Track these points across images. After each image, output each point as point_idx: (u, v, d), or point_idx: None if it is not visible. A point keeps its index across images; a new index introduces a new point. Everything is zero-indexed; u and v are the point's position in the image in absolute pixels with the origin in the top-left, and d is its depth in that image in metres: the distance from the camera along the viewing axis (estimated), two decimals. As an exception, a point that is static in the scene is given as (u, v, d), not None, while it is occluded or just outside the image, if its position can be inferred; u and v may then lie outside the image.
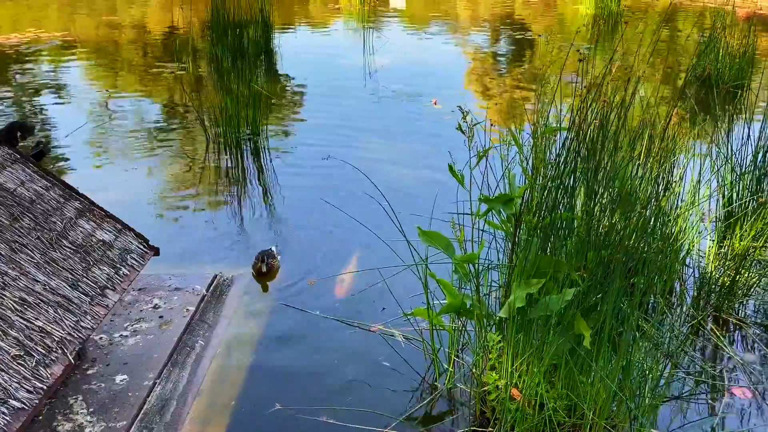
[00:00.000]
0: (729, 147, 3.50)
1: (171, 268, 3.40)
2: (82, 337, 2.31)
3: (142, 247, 2.86)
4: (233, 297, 3.28)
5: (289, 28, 10.88)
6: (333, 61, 8.58)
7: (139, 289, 3.21)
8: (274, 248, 3.62)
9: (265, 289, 3.39)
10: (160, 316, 3.01)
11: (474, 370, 2.59)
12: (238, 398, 2.61)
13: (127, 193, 4.51)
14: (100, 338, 2.84)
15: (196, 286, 3.26)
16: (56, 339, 2.20)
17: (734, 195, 3.42)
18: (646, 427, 2.30)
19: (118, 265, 2.68)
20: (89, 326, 2.37)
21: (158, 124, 5.93)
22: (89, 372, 2.63)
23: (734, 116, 5.01)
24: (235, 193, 4.59)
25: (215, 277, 3.38)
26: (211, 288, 3.29)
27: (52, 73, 7.80)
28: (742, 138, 3.51)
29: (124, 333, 2.89)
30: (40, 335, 2.17)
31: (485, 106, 6.51)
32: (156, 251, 2.90)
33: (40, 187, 2.76)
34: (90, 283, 2.51)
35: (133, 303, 3.11)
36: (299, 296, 3.29)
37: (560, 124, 3.06)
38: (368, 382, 2.70)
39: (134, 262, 2.76)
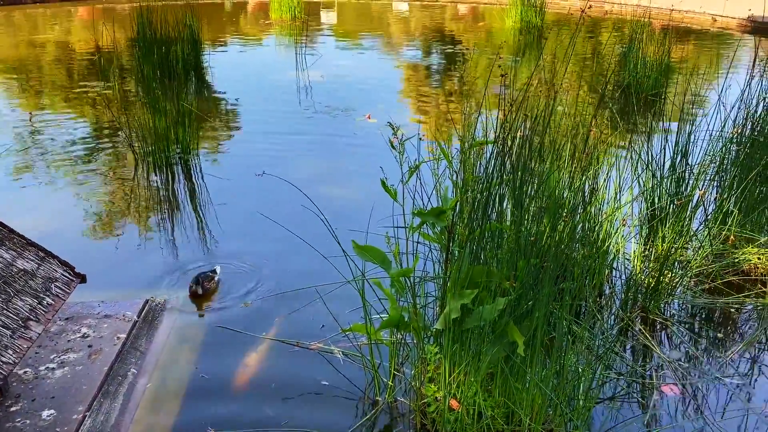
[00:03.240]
0: (649, 153, 3.66)
1: (100, 295, 3.28)
2: (3, 373, 2.20)
3: (67, 274, 2.76)
4: (166, 322, 3.19)
5: (219, 45, 10.75)
6: (265, 78, 8.52)
7: (67, 319, 3.09)
8: (218, 268, 3.55)
9: (199, 311, 3.31)
10: (89, 346, 2.90)
11: (414, 383, 2.61)
12: (174, 426, 2.53)
13: (52, 217, 4.34)
14: (25, 372, 2.71)
15: (127, 313, 3.16)
16: (-26, 376, 2.08)
17: (655, 199, 3.57)
18: (580, 429, 2.36)
19: (42, 295, 2.57)
20: (11, 360, 2.26)
21: (84, 145, 5.74)
22: (13, 409, 2.50)
23: (653, 124, 5.24)
24: (166, 214, 4.48)
25: (147, 302, 3.28)
26: (143, 313, 3.19)
27: (-32, 95, 7.45)
28: (661, 144, 3.68)
29: (51, 365, 2.76)
30: (-43, 373, 2.05)
31: (418, 120, 6.60)
32: (83, 278, 2.80)
33: (-46, 216, 2.62)
34: (11, 315, 2.39)
35: (60, 333, 2.99)
36: (235, 318, 3.23)
37: (487, 137, 3.13)
38: (308, 402, 2.67)
39: (59, 290, 2.66)
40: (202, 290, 3.35)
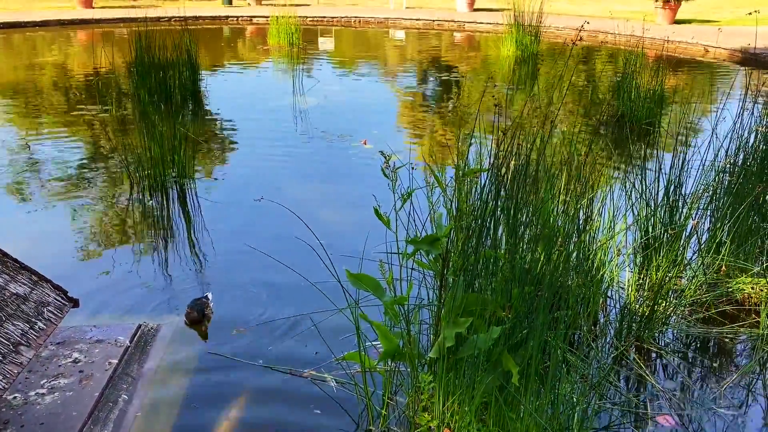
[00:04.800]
0: (643, 182, 3.68)
1: (92, 320, 3.27)
2: (-7, 399, 2.17)
3: (60, 299, 2.74)
4: (159, 347, 3.16)
5: (217, 70, 10.84)
6: (262, 102, 8.58)
7: (58, 343, 3.06)
8: (210, 294, 3.53)
9: (192, 338, 3.29)
10: (80, 371, 2.87)
11: (407, 412, 2.58)
12: (164, 454, 2.50)
13: (46, 240, 4.33)
14: (14, 398, 2.68)
15: (119, 338, 3.14)
16: (-37, 402, 2.06)
17: (649, 227, 3.59)
18: (575, 459, 2.34)
19: (34, 320, 2.55)
20: (0, 386, 2.23)
21: (80, 168, 5.74)
22: (1, 435, 2.48)
23: (646, 153, 5.28)
24: (161, 239, 4.47)
25: (139, 327, 3.26)
26: (135, 339, 3.17)
27: (-35, 117, 7.47)
28: (655, 173, 3.70)
29: (41, 391, 2.73)
30: (-55, 399, 2.03)
31: (414, 145, 6.63)
32: (75, 303, 2.78)
33: (-53, 239, 2.61)
34: (2, 340, 2.37)
35: (51, 358, 2.96)
36: (228, 344, 3.21)
37: (481, 164, 3.16)
38: (300, 430, 2.64)
39: (51, 315, 2.64)
40: (201, 316, 3.33)
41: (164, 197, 5.08)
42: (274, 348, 3.18)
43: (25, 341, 2.45)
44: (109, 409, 2.69)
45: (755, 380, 3.02)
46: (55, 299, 2.72)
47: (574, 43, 2.75)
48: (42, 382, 2.79)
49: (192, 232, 4.58)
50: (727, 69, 11.09)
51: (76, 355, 2.99)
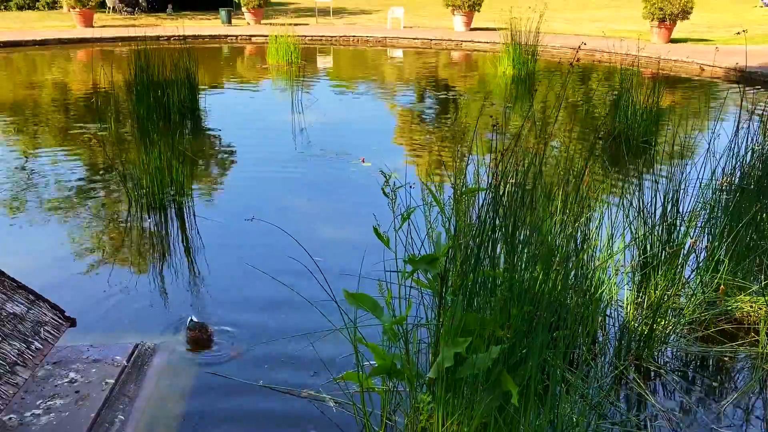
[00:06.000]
0: (640, 200, 3.69)
1: (89, 339, 3.24)
2: (-12, 420, 2.16)
3: (57, 318, 2.73)
4: (156, 367, 3.14)
5: (217, 88, 10.89)
6: (261, 120, 8.61)
7: (54, 363, 3.04)
8: (194, 318, 3.50)
9: (189, 357, 3.27)
10: (77, 391, 2.85)
11: (406, 432, 2.56)
12: (161, 476, 2.48)
13: (44, 259, 4.32)
14: (9, 419, 2.65)
15: (116, 357, 3.12)
16: (-42, 424, 2.04)
17: (647, 246, 3.59)
18: (575, 481, 2.32)
19: (30, 339, 2.54)
20: (-4, 407, 2.21)
21: (78, 187, 5.75)
22: (-4, 457, 2.45)
23: (643, 171, 5.30)
24: (159, 257, 4.46)
25: (136, 346, 3.24)
26: (132, 358, 3.15)
27: (-36, 135, 7.48)
28: (652, 191, 3.71)
29: (37, 411, 2.71)
30: (-60, 421, 2.01)
31: (412, 163, 6.65)
32: (72, 322, 2.77)
33: (-55, 258, 2.60)
34: (-2, 360, 2.36)
35: (48, 378, 2.94)
36: (225, 364, 3.19)
37: (479, 183, 3.16)
38: (298, 451, 2.62)
39: (48, 335, 2.63)
40: (204, 336, 3.30)
41: (162, 215, 5.07)
42: (271, 368, 3.16)
43: (22, 361, 2.43)
44: (105, 429, 2.67)
45: (755, 399, 3.01)
46: (52, 319, 2.71)
47: (571, 65, 2.77)
48: (38, 403, 2.76)
49: (190, 250, 4.57)
50: (723, 87, 11.17)
51: (72, 374, 2.97)
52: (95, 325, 3.46)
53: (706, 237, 3.83)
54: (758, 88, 10.57)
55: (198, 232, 4.81)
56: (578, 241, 3.21)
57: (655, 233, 3.58)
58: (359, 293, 2.57)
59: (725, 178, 3.82)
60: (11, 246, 4.49)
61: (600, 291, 3.29)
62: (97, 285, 3.98)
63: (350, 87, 11.60)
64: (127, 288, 3.95)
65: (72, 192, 5.58)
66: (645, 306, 3.39)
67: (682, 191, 3.67)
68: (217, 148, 7.31)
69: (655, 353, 3.26)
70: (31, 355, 2.48)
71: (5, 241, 4.60)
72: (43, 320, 2.66)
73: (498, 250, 2.64)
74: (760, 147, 3.94)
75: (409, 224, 2.69)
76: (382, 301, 2.61)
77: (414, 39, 16.82)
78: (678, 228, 3.61)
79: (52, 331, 2.65)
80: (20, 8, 23.47)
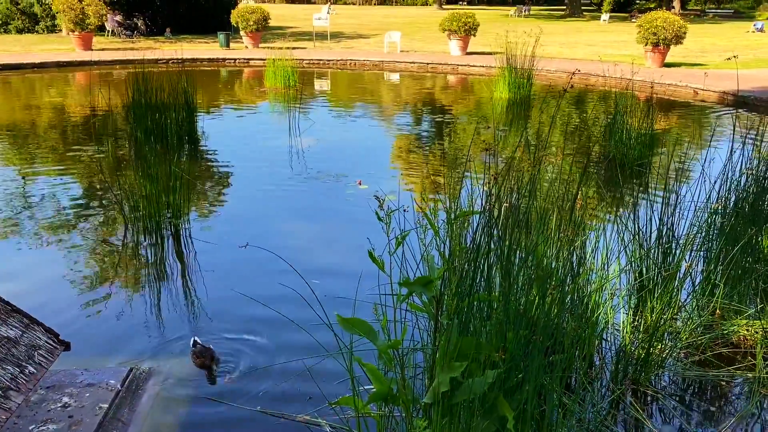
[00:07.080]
0: (636, 224, 3.70)
1: (83, 363, 3.23)
2: (-21, 446, 2.13)
3: (51, 342, 2.71)
4: (150, 391, 3.12)
5: (214, 111, 10.94)
6: (258, 143, 8.64)
7: (48, 387, 3.02)
8: (197, 338, 3.48)
9: (184, 382, 3.24)
10: (70, 416, 2.83)
11: (402, 458, 2.54)
12: (154, 503, 2.44)
13: (39, 282, 4.30)
14: (1, 444, 2.63)
15: (111, 381, 3.09)
16: (-51, 450, 2.02)
17: (643, 269, 3.60)
18: (573, 507, 2.30)
19: (24, 364, 2.52)
20: (-12, 433, 2.19)
21: (75, 209, 5.75)
22: (-14, 483, 2.42)
23: (638, 194, 5.33)
24: (154, 281, 4.45)
25: (131, 370, 3.22)
26: (127, 382, 3.13)
27: (-39, 158, 7.49)
28: (647, 215, 3.73)
29: (29, 437, 2.68)
30: (-69, 447, 1.99)
31: (408, 186, 6.67)
32: (67, 346, 2.76)
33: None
34: (-9, 384, 2.34)
35: (40, 402, 2.91)
36: (220, 389, 3.17)
37: (473, 206, 3.17)
38: (293, 477, 2.60)
39: (42, 359, 2.61)
40: (210, 361, 3.26)
41: (158, 238, 5.07)
42: (267, 392, 3.14)
43: (15, 386, 2.41)
44: (98, 455, 2.64)
45: (753, 423, 3.00)
46: (47, 342, 2.69)
47: (564, 90, 2.80)
48: (30, 428, 2.74)
49: (186, 274, 4.56)
50: (717, 110, 11.27)
51: (65, 399, 2.95)
52: (90, 349, 3.44)
53: (701, 260, 3.84)
54: (753, 113, 10.67)
55: (194, 255, 4.80)
56: (574, 265, 3.21)
57: (651, 256, 3.59)
58: (353, 318, 2.56)
59: (720, 202, 3.85)
60: (7, 269, 4.48)
61: (596, 314, 3.28)
62: (92, 308, 3.97)
63: (347, 110, 11.67)
64: (123, 312, 3.93)
65: (68, 215, 5.58)
66: (641, 330, 3.39)
67: (677, 214, 3.69)
68: (214, 171, 7.33)
69: (652, 377, 3.25)
70: (24, 379, 2.46)
71: (0, 264, 4.58)
72: (37, 344, 2.64)
73: (493, 272, 2.64)
74: (755, 170, 3.97)
75: (403, 247, 2.69)
76: (377, 325, 2.61)
77: (411, 63, 16.98)
78: (673, 251, 3.62)
79: (47, 355, 2.64)
80: (20, 31, 23.68)
